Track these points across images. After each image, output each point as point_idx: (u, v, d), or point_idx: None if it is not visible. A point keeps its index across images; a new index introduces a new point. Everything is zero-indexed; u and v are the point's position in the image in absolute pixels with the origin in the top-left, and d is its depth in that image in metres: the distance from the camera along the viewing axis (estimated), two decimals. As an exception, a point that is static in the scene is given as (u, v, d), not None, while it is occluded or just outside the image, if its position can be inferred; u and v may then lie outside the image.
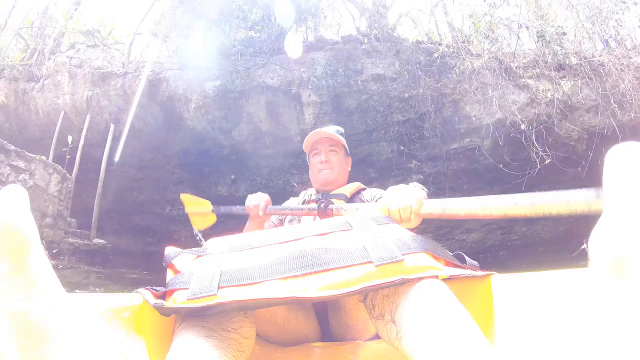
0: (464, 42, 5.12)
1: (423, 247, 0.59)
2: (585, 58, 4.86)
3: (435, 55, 4.67)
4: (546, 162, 4.33)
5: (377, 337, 0.91)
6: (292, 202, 1.37)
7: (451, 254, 0.66)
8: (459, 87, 4.85)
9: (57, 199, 3.80)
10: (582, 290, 0.43)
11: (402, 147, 4.93)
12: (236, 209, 1.44)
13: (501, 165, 4.58)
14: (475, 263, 0.68)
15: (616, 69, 4.66)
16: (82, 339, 0.39)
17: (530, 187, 5.21)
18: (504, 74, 4.88)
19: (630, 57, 4.77)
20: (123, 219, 6.30)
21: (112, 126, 5.15)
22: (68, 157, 4.57)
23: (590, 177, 5.00)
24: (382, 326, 0.59)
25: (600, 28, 5.10)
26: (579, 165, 4.73)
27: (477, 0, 5.30)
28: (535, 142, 4.47)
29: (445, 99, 4.91)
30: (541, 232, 6.15)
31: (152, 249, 6.28)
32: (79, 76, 5.70)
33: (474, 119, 4.80)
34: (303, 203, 1.30)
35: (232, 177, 5.24)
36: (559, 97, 4.78)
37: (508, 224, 6.08)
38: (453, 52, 4.91)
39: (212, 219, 1.55)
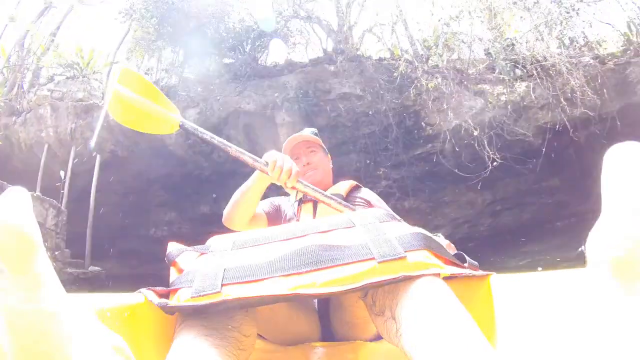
0: (422, 57, 5.57)
1: (425, 244, 0.59)
2: (538, 61, 5.21)
3: (395, 74, 5.12)
4: (495, 163, 4.79)
5: (378, 337, 0.91)
6: (284, 200, 1.34)
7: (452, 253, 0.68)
8: (419, 99, 5.31)
9: (54, 232, 4.05)
10: (581, 291, 0.43)
11: (368, 161, 5.38)
12: (236, 150, 1.01)
13: (456, 169, 5.03)
14: (475, 263, 0.68)
15: (566, 68, 5.03)
16: (82, 339, 0.38)
17: (493, 182, 5.73)
18: (459, 84, 5.35)
19: (580, 57, 5.12)
20: (108, 244, 6.40)
21: (97, 156, 5.39)
22: (62, 191, 4.75)
23: (544, 170, 5.52)
24: (382, 323, 0.59)
25: (552, 31, 5.42)
26: (529, 163, 5.22)
27: (434, 18, 5.74)
28: (486, 145, 4.95)
29: (406, 111, 5.37)
30: (506, 221, 6.64)
31: (136, 271, 6.40)
32: (62, 109, 5.89)
33: (430, 130, 5.27)
34: (300, 201, 1.25)
35: (214, 195, 5.57)
36: (513, 99, 5.17)
37: (474, 218, 6.56)
38: (413, 68, 5.34)
39: (164, 128, 1.08)
